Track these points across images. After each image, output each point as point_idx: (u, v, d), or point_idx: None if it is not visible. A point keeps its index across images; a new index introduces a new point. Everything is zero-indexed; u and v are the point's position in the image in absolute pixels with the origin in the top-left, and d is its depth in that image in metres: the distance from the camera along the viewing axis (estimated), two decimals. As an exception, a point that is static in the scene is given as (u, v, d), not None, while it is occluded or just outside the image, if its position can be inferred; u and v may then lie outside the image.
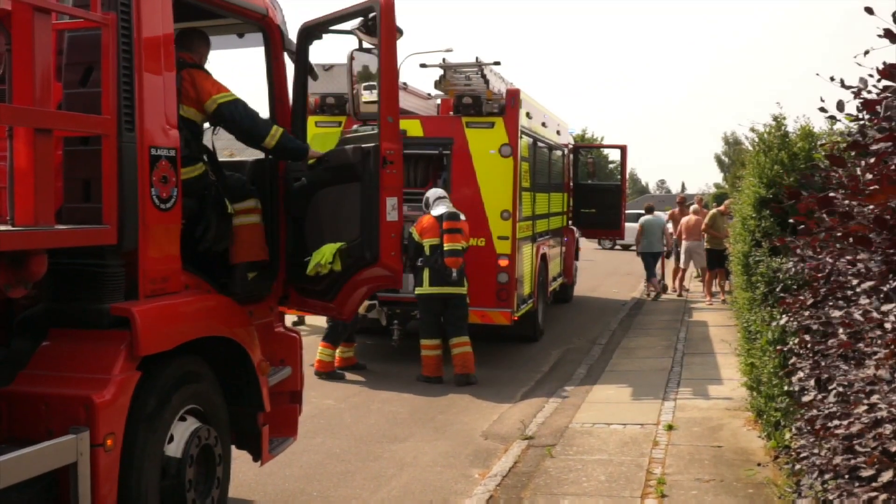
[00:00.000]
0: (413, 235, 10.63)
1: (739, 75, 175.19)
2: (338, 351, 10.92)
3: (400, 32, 5.76)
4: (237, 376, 5.08)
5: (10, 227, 3.70)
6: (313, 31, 5.89)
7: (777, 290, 6.71)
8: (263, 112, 5.80)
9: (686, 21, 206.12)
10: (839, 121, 4.03)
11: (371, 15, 5.55)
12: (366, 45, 5.91)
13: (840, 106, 3.66)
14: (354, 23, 5.77)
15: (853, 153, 3.56)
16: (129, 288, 4.27)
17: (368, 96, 5.86)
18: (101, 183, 4.08)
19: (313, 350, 10.85)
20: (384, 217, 5.47)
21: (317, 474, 7.03)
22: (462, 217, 10.77)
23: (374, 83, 5.79)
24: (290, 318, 6.42)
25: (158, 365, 4.29)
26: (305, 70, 5.93)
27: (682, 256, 19.15)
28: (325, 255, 5.48)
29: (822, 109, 4.00)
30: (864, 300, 3.75)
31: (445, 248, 10.49)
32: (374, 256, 5.48)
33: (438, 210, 10.71)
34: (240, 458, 5.55)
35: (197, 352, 4.66)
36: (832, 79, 3.72)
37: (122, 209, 4.15)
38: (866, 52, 3.48)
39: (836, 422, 3.63)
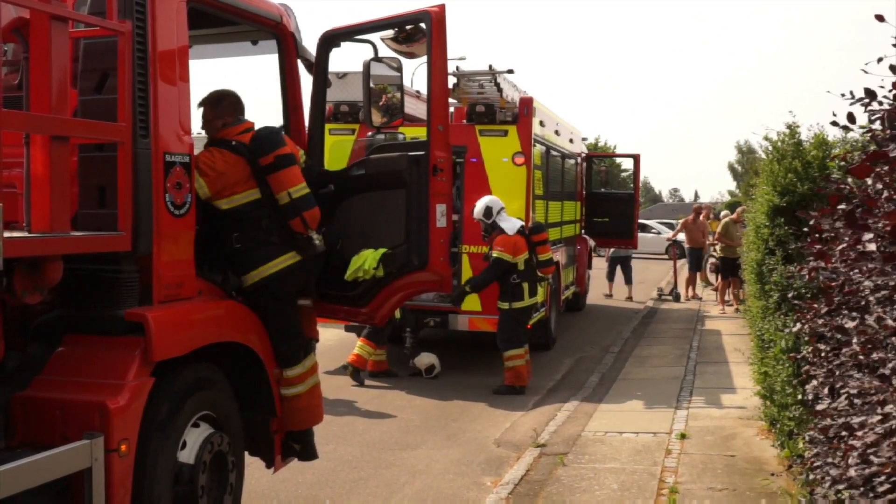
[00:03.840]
0: (503, 258, 10.47)
1: (754, 84, 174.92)
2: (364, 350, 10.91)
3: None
4: (250, 382, 5.10)
5: (26, 234, 3.73)
6: (335, 39, 5.91)
7: (790, 296, 6.69)
8: (278, 119, 5.82)
9: (702, 30, 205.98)
10: (852, 129, 4.03)
11: (409, 27, 5.62)
12: (390, 53, 5.94)
13: (851, 118, 3.67)
14: (385, 32, 5.81)
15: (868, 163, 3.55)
16: (143, 293, 4.29)
17: (377, 113, 5.88)
18: (117, 189, 4.10)
19: (333, 354, 10.88)
20: (434, 223, 5.54)
21: (329, 481, 7.03)
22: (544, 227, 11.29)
23: (395, 89, 5.84)
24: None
25: (172, 371, 4.30)
26: (324, 78, 5.96)
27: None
28: (367, 261, 5.49)
29: (835, 123, 4.02)
30: (878, 309, 3.74)
31: (542, 259, 10.98)
32: (423, 262, 5.54)
33: (511, 223, 10.71)
34: (252, 465, 5.56)
35: (210, 358, 4.68)
36: (843, 95, 3.74)
37: (137, 215, 4.17)
38: (880, 60, 3.47)
39: (850, 429, 3.61)
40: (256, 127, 5.29)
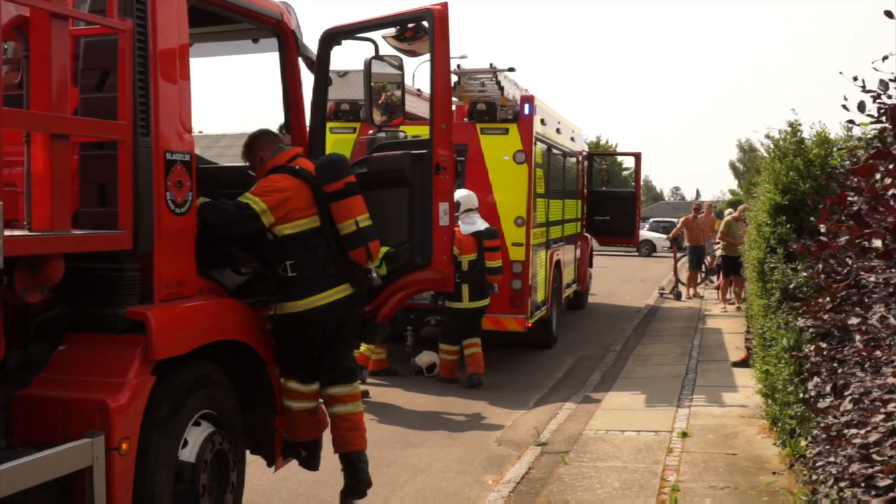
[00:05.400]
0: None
1: (755, 83, 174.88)
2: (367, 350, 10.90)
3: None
4: (251, 381, 5.09)
5: (26, 232, 3.72)
6: (336, 37, 5.90)
7: (791, 289, 6.67)
8: (279, 118, 5.81)
9: (703, 28, 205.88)
10: (855, 125, 4.00)
11: (410, 25, 5.61)
12: (391, 52, 5.93)
13: (861, 107, 3.64)
14: (387, 30, 5.81)
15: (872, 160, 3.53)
16: (144, 292, 4.28)
17: (378, 111, 5.87)
18: (117, 187, 4.10)
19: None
20: (437, 221, 5.55)
21: (331, 480, 7.01)
22: (498, 234, 11.04)
23: (396, 87, 5.83)
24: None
25: (173, 369, 4.30)
26: (326, 76, 5.95)
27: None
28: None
29: (845, 107, 3.97)
30: (880, 308, 3.73)
31: (490, 266, 10.70)
32: (426, 260, 5.56)
33: (470, 225, 10.69)
34: (254, 464, 5.55)
35: (211, 356, 4.67)
36: (855, 79, 3.70)
37: (138, 214, 4.16)
38: (885, 58, 3.46)
39: (852, 430, 3.60)
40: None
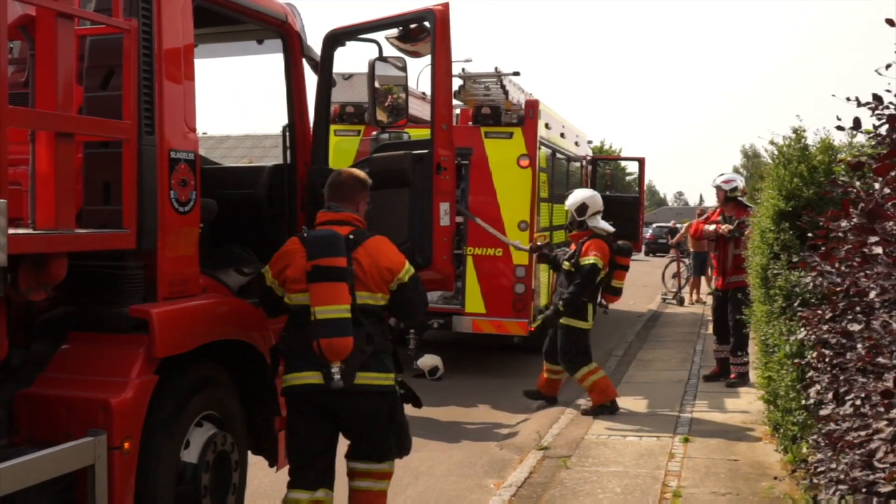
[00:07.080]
0: (599, 264, 9.20)
1: (760, 89, 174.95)
2: None
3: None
4: (254, 380, 5.09)
5: (31, 231, 3.73)
6: (340, 38, 5.91)
7: (795, 304, 6.66)
8: (282, 119, 5.82)
9: (707, 35, 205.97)
10: (859, 133, 4.00)
11: (413, 25, 5.62)
12: (395, 53, 5.94)
13: (857, 123, 3.65)
14: (389, 31, 5.81)
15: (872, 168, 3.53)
16: (147, 290, 4.29)
17: (382, 113, 5.86)
18: (121, 186, 4.11)
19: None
20: (437, 221, 5.53)
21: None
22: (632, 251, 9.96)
23: (401, 88, 5.83)
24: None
25: (176, 370, 4.30)
26: (329, 78, 5.96)
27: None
28: None
29: (840, 128, 3.98)
30: (883, 314, 3.72)
31: (615, 286, 9.76)
32: (427, 260, 5.53)
33: (606, 226, 9.51)
34: (256, 465, 5.55)
35: (214, 357, 4.67)
36: (848, 99, 3.72)
37: (142, 212, 4.17)
38: (888, 66, 3.46)
39: (854, 434, 3.59)
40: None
